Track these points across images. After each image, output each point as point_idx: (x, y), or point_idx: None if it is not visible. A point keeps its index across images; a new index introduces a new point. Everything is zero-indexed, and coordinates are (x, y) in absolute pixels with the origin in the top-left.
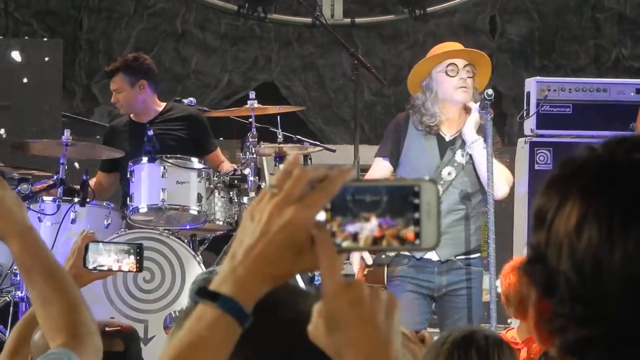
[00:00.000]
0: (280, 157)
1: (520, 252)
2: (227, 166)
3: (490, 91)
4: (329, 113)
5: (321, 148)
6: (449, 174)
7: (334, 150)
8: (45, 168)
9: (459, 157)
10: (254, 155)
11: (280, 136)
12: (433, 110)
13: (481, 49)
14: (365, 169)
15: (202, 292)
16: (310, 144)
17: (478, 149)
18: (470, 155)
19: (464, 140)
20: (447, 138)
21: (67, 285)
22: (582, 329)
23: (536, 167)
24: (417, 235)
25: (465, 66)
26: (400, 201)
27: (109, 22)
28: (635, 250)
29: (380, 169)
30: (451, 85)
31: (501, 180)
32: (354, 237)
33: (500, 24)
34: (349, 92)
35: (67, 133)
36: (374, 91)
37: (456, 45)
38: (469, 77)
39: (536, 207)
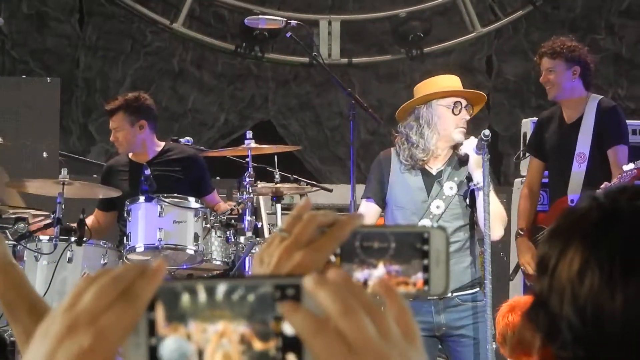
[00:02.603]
0: (277, 197)
1: (517, 292)
2: (223, 206)
3: (487, 132)
4: (326, 152)
5: (318, 188)
6: (438, 207)
7: (330, 190)
8: (42, 207)
9: (447, 189)
10: (251, 195)
11: (277, 176)
12: (428, 145)
13: (478, 89)
14: None
15: None
16: (307, 183)
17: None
18: (458, 187)
19: (472, 180)
20: (434, 172)
21: None
22: None
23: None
24: (426, 282)
25: (466, 106)
26: (409, 248)
27: (105, 61)
28: (635, 295)
29: (365, 211)
30: (453, 123)
31: (497, 222)
32: (364, 283)
33: (496, 64)
34: (345, 132)
35: (64, 172)
36: (371, 130)
37: (457, 81)
38: (467, 118)
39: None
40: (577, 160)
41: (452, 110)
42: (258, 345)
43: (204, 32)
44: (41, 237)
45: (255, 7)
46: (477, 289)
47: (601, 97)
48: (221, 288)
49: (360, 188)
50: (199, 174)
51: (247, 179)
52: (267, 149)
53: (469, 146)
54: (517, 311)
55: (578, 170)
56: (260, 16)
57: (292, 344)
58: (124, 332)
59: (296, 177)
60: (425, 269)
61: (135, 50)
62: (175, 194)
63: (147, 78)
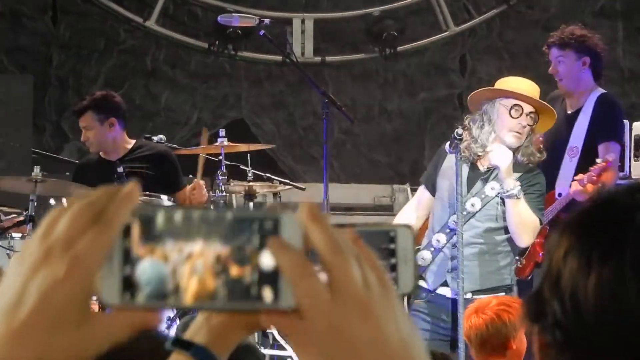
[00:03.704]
0: (250, 196)
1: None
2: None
3: (460, 130)
4: (299, 151)
5: (291, 186)
6: (473, 205)
7: (303, 189)
8: (14, 204)
9: (489, 189)
10: (224, 193)
11: (250, 174)
12: (485, 141)
13: (451, 88)
14: (334, 207)
15: (176, 340)
16: (280, 182)
17: (513, 200)
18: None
19: (502, 186)
20: (483, 169)
21: None
22: (560, 355)
23: None
24: (395, 280)
25: (530, 113)
26: (376, 247)
27: (79, 59)
28: (608, 279)
29: (418, 193)
30: (508, 126)
31: (524, 229)
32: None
33: (470, 63)
34: (318, 130)
35: (37, 169)
36: (344, 129)
37: (531, 88)
38: (528, 125)
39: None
40: (568, 154)
41: (510, 111)
42: (234, 269)
43: (177, 30)
44: (14, 234)
45: (229, 5)
46: (502, 293)
47: (605, 91)
48: (198, 211)
49: (333, 187)
50: (169, 170)
51: (220, 177)
52: (240, 147)
53: (497, 156)
54: (480, 313)
55: (569, 164)
56: (233, 14)
57: (269, 277)
58: (99, 257)
59: (269, 175)
60: (393, 268)
61: (109, 48)
62: (147, 192)
63: (120, 76)
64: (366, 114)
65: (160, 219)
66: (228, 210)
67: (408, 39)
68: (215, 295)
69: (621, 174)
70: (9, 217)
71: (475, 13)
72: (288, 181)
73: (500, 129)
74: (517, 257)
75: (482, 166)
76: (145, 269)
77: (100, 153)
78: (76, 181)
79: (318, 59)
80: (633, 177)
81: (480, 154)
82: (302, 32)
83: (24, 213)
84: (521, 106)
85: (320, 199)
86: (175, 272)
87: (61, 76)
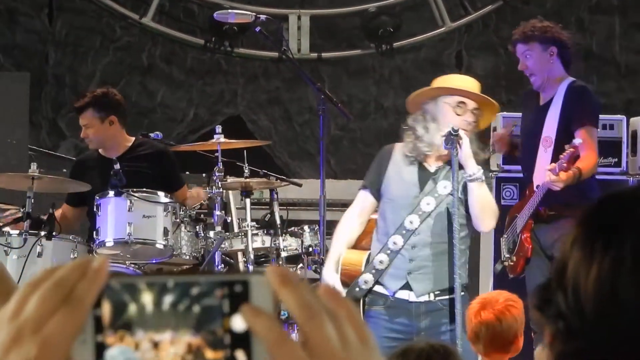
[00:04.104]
0: (246, 192)
1: (486, 288)
2: (192, 193)
3: (455, 127)
4: (295, 147)
5: (287, 183)
6: (428, 204)
7: (300, 185)
8: (11, 201)
9: (441, 188)
10: (221, 190)
11: (246, 170)
12: (432, 139)
13: None
14: (331, 204)
15: None
16: (277, 178)
17: (477, 182)
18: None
19: (465, 172)
20: (432, 169)
21: None
22: (562, 345)
23: (502, 202)
24: None
25: (474, 109)
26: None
27: (75, 56)
28: (608, 271)
29: (360, 199)
30: (454, 123)
31: (487, 213)
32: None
33: (466, 59)
34: (315, 127)
35: (33, 166)
36: (340, 126)
37: (473, 85)
38: (473, 121)
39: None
40: (543, 145)
41: (455, 109)
42: (209, 354)
43: (173, 27)
44: (11, 231)
45: (225, 1)
46: (463, 293)
47: (574, 79)
48: (168, 296)
49: (330, 183)
50: (168, 169)
51: (217, 174)
52: (237, 143)
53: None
54: (489, 308)
55: (544, 155)
56: (229, 11)
57: (241, 340)
58: (70, 337)
59: (266, 171)
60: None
61: (105, 45)
62: (145, 189)
63: (116, 73)
64: (362, 110)
65: (130, 307)
66: (197, 279)
67: (404, 35)
68: None
69: (618, 169)
70: (6, 214)
71: (471, 9)
72: (284, 177)
73: (446, 126)
74: (507, 255)
75: (430, 166)
76: (116, 355)
77: (100, 150)
78: (74, 177)
79: (314, 55)
80: (630, 172)
81: (428, 153)
82: (298, 28)
83: (21, 210)
84: (465, 103)
85: (316, 196)
86: (147, 356)
87: (57, 73)
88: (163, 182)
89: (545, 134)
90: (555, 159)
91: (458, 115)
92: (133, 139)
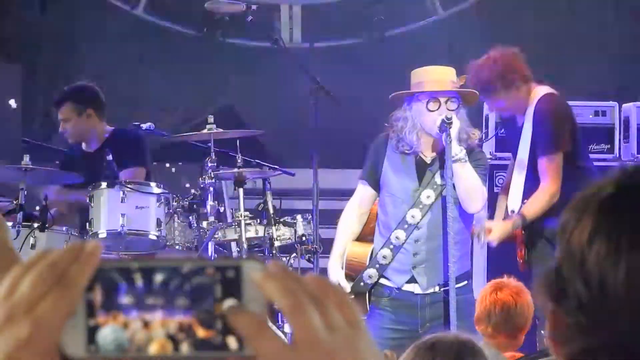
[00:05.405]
0: (239, 182)
1: (480, 274)
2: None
3: (449, 114)
4: (288, 137)
5: (280, 172)
6: (428, 197)
7: (293, 174)
8: (4, 192)
9: (439, 178)
10: (214, 180)
11: (239, 160)
12: (410, 139)
13: None
14: (324, 192)
15: None
16: (270, 167)
17: (460, 163)
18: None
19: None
20: (428, 160)
21: None
22: (585, 339)
23: (495, 190)
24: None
25: (449, 99)
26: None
27: (67, 47)
28: (639, 267)
29: (359, 192)
30: (431, 120)
31: (474, 195)
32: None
33: (459, 47)
34: (307, 116)
35: (26, 158)
36: (333, 115)
37: (445, 75)
38: (451, 111)
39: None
40: (517, 168)
41: (427, 106)
42: (201, 332)
43: (165, 17)
44: None
45: None
46: (465, 282)
47: (544, 94)
48: (159, 276)
49: (322, 172)
50: (123, 147)
51: (209, 164)
52: (229, 133)
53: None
54: (506, 290)
55: (517, 178)
56: (221, 1)
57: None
58: (62, 319)
59: (258, 161)
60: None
61: (97, 36)
62: (138, 180)
63: (108, 64)
64: (355, 99)
65: (123, 287)
66: (188, 264)
67: (397, 24)
68: (180, 348)
69: (611, 155)
70: None
71: None
72: (277, 167)
73: (424, 124)
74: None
75: (426, 157)
76: (107, 334)
77: (83, 145)
78: (64, 169)
79: (306, 44)
80: (623, 159)
81: (408, 152)
82: (290, 17)
83: (14, 202)
84: (437, 98)
85: (309, 185)
86: (137, 339)
87: (49, 65)
88: (118, 161)
89: (520, 157)
90: (527, 181)
91: (431, 111)
92: (112, 129)
